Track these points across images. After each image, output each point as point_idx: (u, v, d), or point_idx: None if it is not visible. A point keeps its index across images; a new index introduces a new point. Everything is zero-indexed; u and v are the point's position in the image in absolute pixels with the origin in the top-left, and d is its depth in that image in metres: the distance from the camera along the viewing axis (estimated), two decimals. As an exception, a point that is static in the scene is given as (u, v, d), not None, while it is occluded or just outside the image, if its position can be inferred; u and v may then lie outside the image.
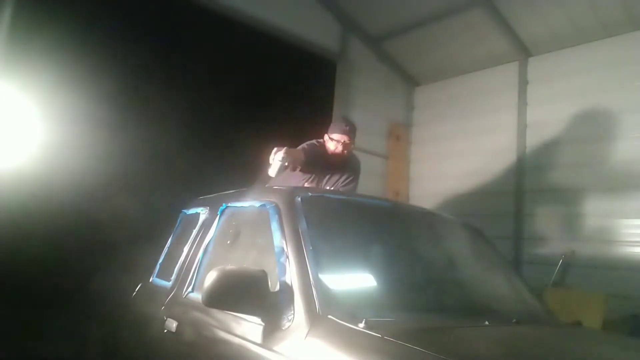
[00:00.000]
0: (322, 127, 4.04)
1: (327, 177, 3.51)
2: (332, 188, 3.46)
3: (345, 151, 3.46)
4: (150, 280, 3.05)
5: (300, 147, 3.41)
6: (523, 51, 5.56)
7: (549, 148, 5.24)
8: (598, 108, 4.87)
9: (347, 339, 1.56)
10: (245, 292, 1.75)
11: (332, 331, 1.61)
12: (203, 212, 2.83)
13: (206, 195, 3.06)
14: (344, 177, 3.56)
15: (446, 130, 6.30)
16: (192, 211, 3.03)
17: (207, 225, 2.68)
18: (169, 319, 2.40)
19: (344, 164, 3.54)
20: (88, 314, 3.53)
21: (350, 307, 1.73)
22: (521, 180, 5.39)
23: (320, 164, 3.43)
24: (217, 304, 1.77)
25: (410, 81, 6.85)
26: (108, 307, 3.32)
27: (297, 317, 1.71)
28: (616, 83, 4.79)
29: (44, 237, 3.49)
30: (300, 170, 3.30)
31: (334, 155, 3.44)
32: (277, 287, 1.86)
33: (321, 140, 3.56)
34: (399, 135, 6.70)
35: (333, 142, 3.44)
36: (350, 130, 3.46)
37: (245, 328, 1.87)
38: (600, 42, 4.99)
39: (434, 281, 2.33)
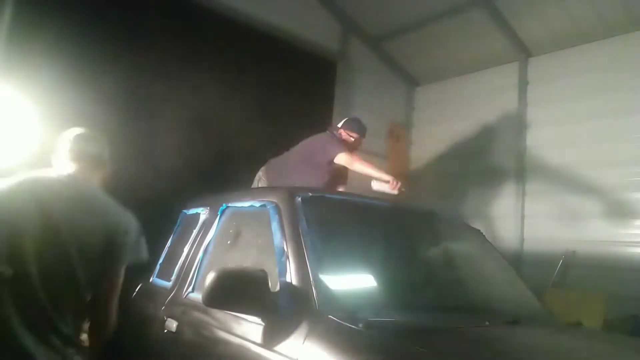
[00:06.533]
0: (321, 127, 4.05)
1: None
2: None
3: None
4: (150, 280, 3.05)
5: (337, 147, 3.62)
6: (523, 51, 5.56)
7: (549, 148, 5.24)
8: (598, 108, 4.87)
9: (347, 339, 1.56)
10: (245, 292, 1.75)
11: (332, 331, 1.61)
12: (203, 212, 2.82)
13: (206, 195, 3.07)
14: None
15: (446, 130, 6.29)
16: (192, 211, 3.03)
17: (207, 225, 2.68)
18: (169, 319, 2.40)
19: None
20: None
21: (350, 307, 1.73)
22: (522, 181, 5.39)
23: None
24: (217, 304, 1.77)
25: (410, 81, 6.85)
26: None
27: (297, 317, 1.71)
28: (616, 83, 4.78)
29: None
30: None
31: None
32: (277, 287, 1.85)
33: (334, 134, 3.79)
34: (399, 135, 6.70)
35: (353, 140, 3.77)
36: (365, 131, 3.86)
37: (245, 328, 1.87)
38: (600, 42, 4.98)
39: (434, 281, 2.33)
